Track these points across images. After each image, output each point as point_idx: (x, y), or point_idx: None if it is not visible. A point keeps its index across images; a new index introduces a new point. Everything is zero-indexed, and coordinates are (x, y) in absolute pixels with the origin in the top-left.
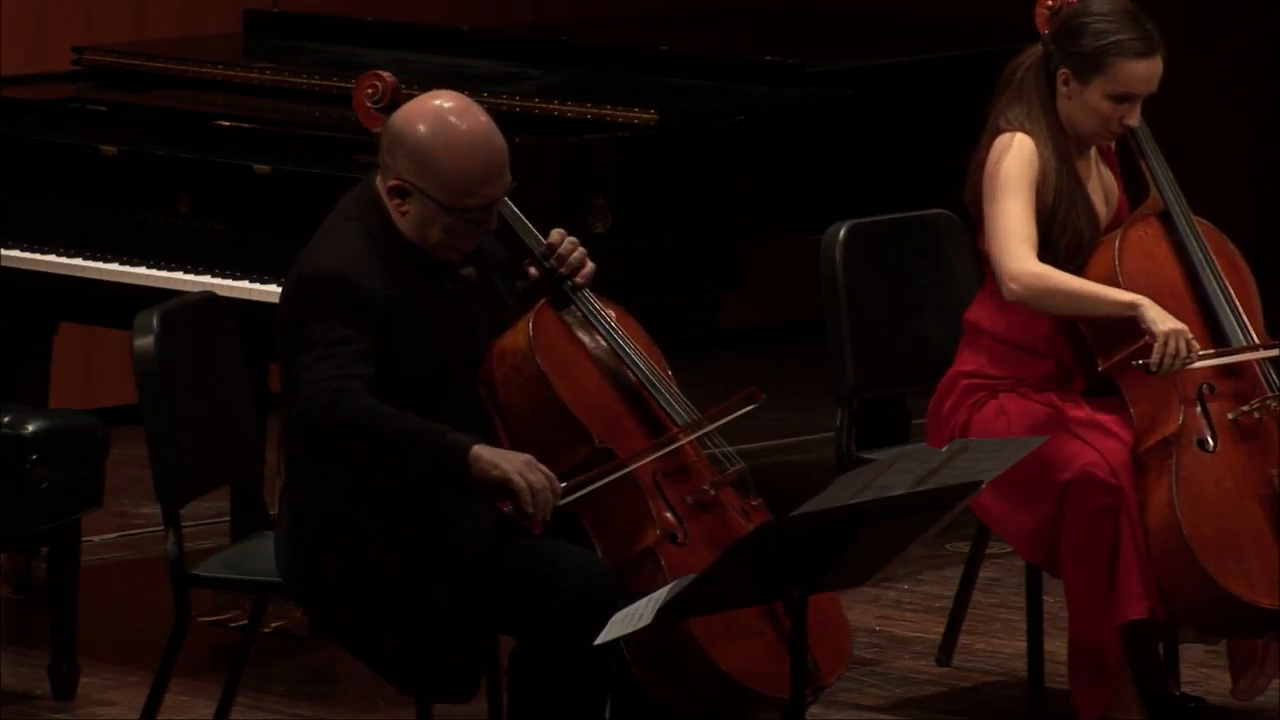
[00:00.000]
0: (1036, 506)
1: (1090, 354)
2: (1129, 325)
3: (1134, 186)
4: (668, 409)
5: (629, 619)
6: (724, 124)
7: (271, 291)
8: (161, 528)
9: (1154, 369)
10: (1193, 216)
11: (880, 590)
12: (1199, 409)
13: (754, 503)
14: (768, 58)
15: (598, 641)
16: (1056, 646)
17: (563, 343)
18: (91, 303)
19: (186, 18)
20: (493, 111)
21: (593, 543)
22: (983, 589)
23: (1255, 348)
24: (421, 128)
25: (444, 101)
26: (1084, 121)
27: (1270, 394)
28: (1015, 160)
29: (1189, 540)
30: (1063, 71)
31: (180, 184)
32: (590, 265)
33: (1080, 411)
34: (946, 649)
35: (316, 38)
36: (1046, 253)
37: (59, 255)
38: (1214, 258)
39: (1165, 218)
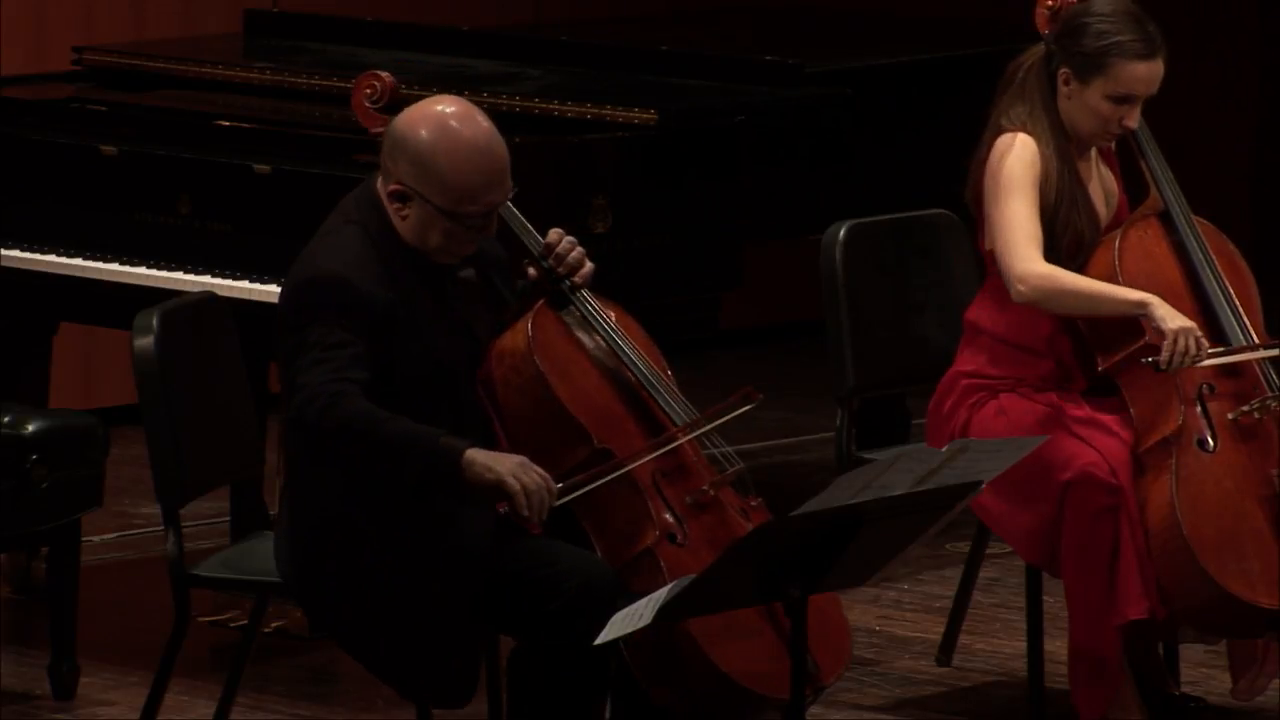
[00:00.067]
0: (1036, 506)
1: (1090, 354)
2: (1129, 324)
3: (1134, 186)
4: (667, 409)
5: (629, 619)
6: (724, 124)
7: (271, 291)
8: (161, 528)
9: (1163, 367)
10: (1193, 216)
11: (880, 590)
12: (1199, 409)
13: (753, 503)
14: (768, 58)
15: (597, 642)
16: (1056, 646)
17: (561, 343)
18: (91, 303)
19: (186, 18)
20: (493, 111)
21: (592, 543)
22: (983, 589)
23: (1256, 347)
24: (423, 133)
25: (446, 107)
26: (1083, 122)
27: (1270, 394)
28: (1018, 160)
29: (1189, 540)
30: (1063, 71)
31: (180, 184)
32: (589, 265)
33: (1080, 411)
34: (946, 649)
35: (316, 38)
36: (1048, 252)
37: (59, 255)
38: (1214, 258)
39: (1165, 218)
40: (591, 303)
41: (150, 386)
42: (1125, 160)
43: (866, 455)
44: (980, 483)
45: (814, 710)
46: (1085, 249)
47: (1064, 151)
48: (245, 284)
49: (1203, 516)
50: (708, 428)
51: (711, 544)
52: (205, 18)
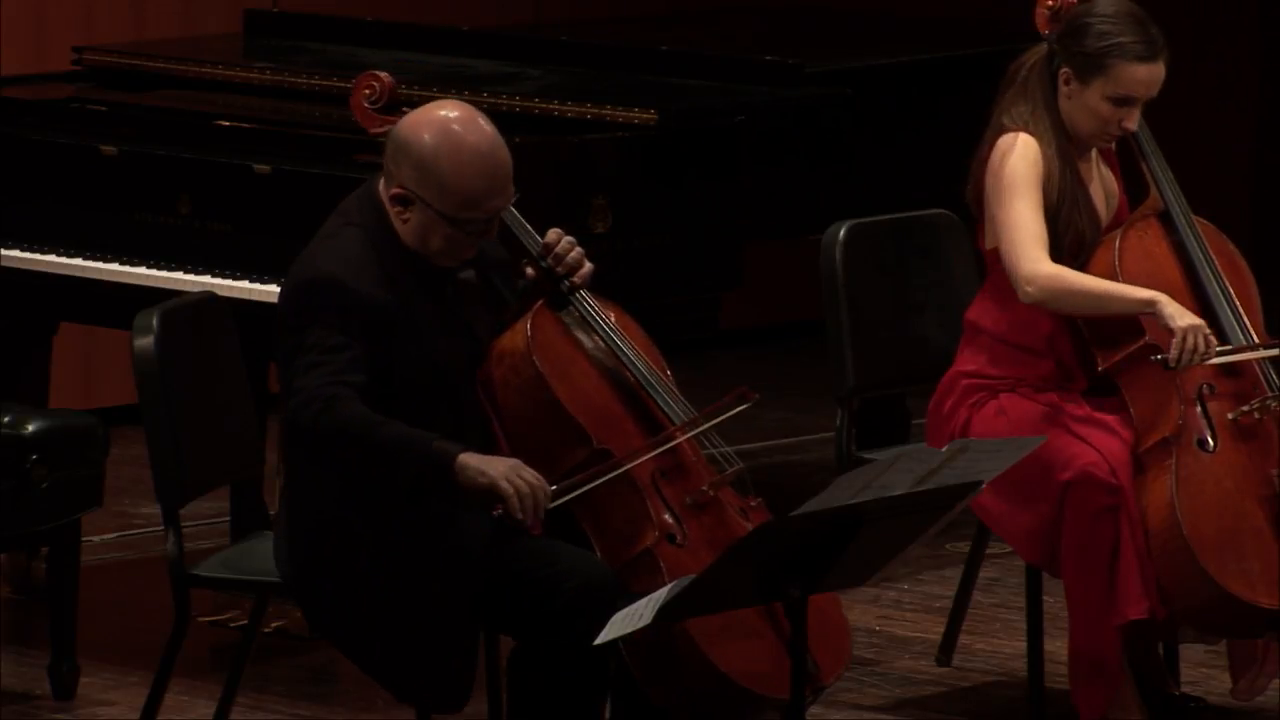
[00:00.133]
0: (1036, 506)
1: (1090, 354)
2: (1129, 324)
3: (1134, 187)
4: (666, 410)
5: (629, 619)
6: (724, 124)
7: (271, 292)
8: (161, 528)
9: (1172, 365)
10: (1193, 216)
11: (880, 590)
12: (1199, 409)
13: (753, 503)
14: (768, 58)
15: (597, 642)
16: (1056, 646)
17: (560, 344)
18: (91, 303)
19: (186, 18)
20: (492, 111)
21: (592, 544)
22: (983, 589)
23: (1255, 347)
24: (426, 138)
25: (449, 111)
26: (1083, 122)
27: (1270, 394)
28: (1020, 160)
29: (1189, 540)
30: (1064, 71)
31: (180, 184)
32: (588, 266)
33: (1080, 411)
34: (946, 649)
35: (316, 38)
36: (1051, 253)
37: (59, 255)
38: (1214, 257)
39: (1165, 218)
40: (590, 303)
41: (150, 386)
42: (1125, 160)
43: (866, 455)
44: (980, 483)
45: (814, 710)
46: (1086, 249)
47: (1065, 151)
48: (245, 284)
49: (1203, 516)
50: (703, 428)
51: (711, 544)
52: (205, 18)
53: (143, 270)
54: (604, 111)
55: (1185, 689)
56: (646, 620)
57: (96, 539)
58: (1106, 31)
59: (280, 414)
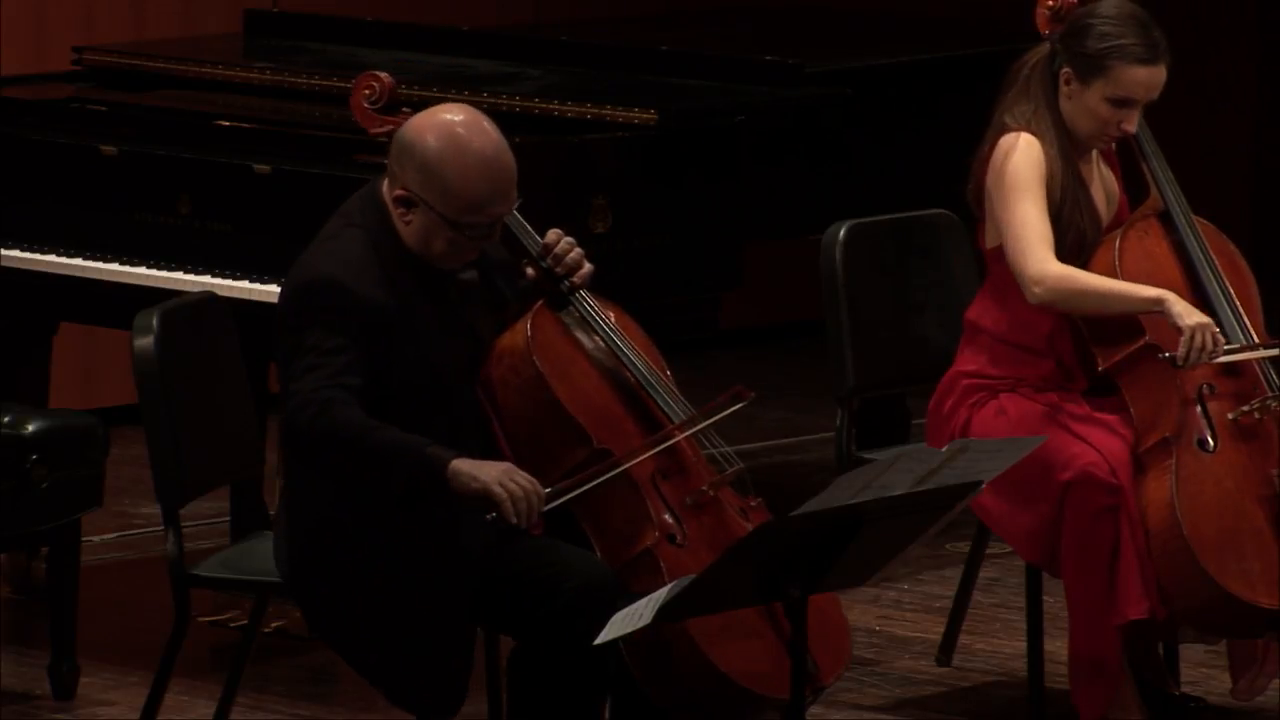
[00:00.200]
0: (1036, 506)
1: (1091, 354)
2: (1130, 324)
3: (1135, 187)
4: (666, 410)
5: (628, 619)
6: (724, 124)
7: (271, 291)
8: (161, 528)
9: (1180, 363)
10: (1193, 216)
11: (880, 590)
12: (1199, 409)
13: (753, 503)
14: (768, 58)
15: (597, 642)
16: (1056, 646)
17: (560, 344)
18: (91, 303)
19: (186, 18)
20: (492, 111)
21: (592, 544)
22: (983, 589)
23: (1255, 347)
24: (432, 141)
25: (455, 115)
26: (1082, 123)
27: (1270, 394)
28: (1023, 160)
29: (1189, 540)
30: (1065, 71)
31: (180, 184)
32: (588, 266)
33: (1081, 411)
34: (946, 649)
35: (316, 38)
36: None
37: (59, 255)
38: (1214, 257)
39: (1165, 218)
40: (590, 303)
41: (150, 386)
42: (1126, 160)
43: (866, 455)
44: (980, 483)
45: (814, 710)
46: (1087, 249)
47: (1067, 151)
48: (245, 284)
49: (1203, 516)
50: (698, 428)
51: (711, 544)
52: (205, 18)
53: (143, 270)
54: (604, 111)
55: (1185, 689)
56: (646, 620)
57: (96, 539)
58: (1108, 33)
59: (280, 414)
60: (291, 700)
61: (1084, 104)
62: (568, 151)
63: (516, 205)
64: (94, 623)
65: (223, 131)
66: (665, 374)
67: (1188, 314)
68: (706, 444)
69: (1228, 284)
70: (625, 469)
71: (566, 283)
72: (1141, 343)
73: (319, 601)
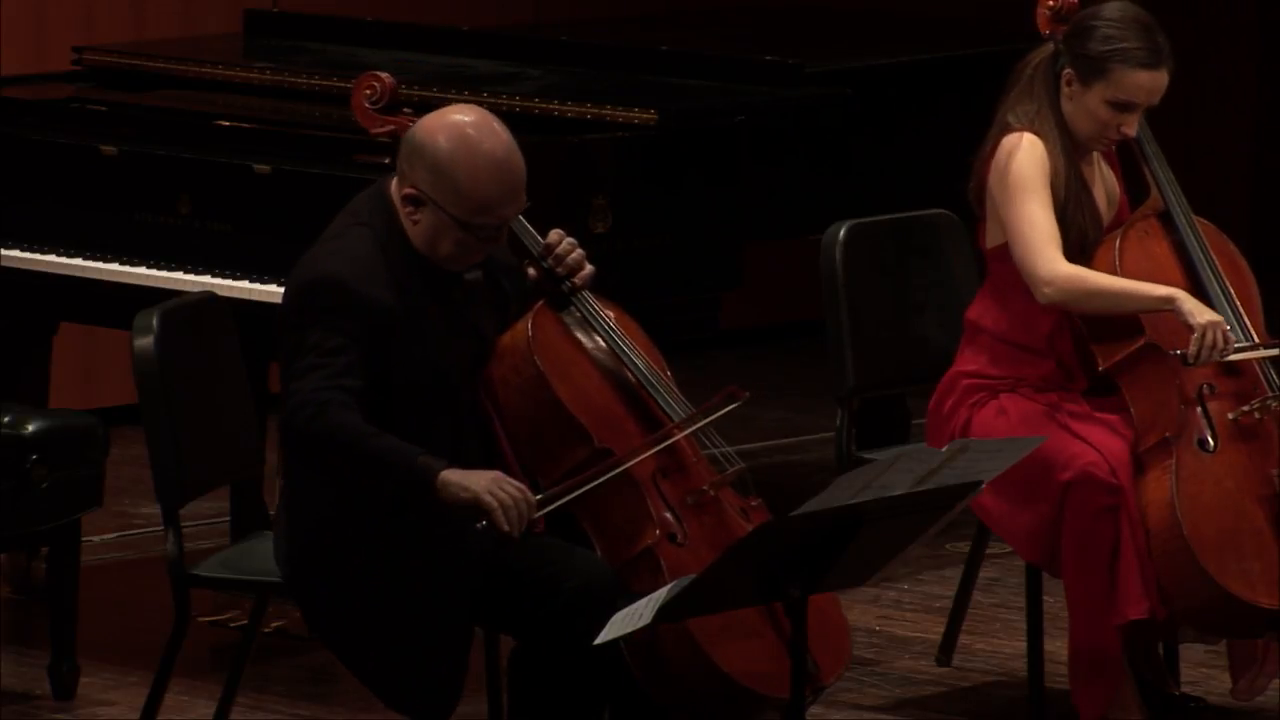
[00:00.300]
0: (1036, 506)
1: (1091, 353)
2: (1130, 324)
3: (1135, 187)
4: (667, 410)
5: (628, 619)
6: (724, 124)
7: (271, 291)
8: (161, 528)
9: (1191, 361)
10: (1193, 216)
11: (880, 590)
12: (1199, 409)
13: (754, 503)
14: (768, 58)
15: (597, 642)
16: (1056, 646)
17: (561, 343)
18: (91, 303)
19: (186, 18)
20: (492, 111)
21: (592, 543)
22: (983, 589)
23: (1255, 346)
24: (443, 142)
25: (467, 116)
26: (1082, 124)
27: (1270, 394)
28: (1028, 160)
29: (1189, 540)
30: (1067, 72)
31: (180, 184)
32: (589, 267)
33: (1081, 411)
34: (946, 649)
35: (316, 38)
36: None
37: (59, 255)
38: (1214, 257)
39: (1165, 218)
40: (592, 303)
41: (150, 386)
42: (1126, 161)
43: (866, 455)
44: (980, 483)
45: (814, 710)
46: (1089, 249)
47: (1069, 151)
48: (245, 284)
49: (1203, 516)
50: (692, 429)
51: (712, 544)
52: (205, 18)
53: (143, 270)
54: (604, 111)
55: (1185, 689)
56: (646, 620)
57: (96, 539)
58: (1111, 36)
59: (280, 412)
60: (291, 700)
61: (1084, 106)
62: (568, 151)
63: (525, 208)
64: (94, 623)
65: (223, 131)
66: (666, 374)
67: (1199, 312)
68: (708, 444)
69: (1228, 284)
70: (620, 471)
71: (568, 283)
72: (1141, 342)
73: (319, 601)
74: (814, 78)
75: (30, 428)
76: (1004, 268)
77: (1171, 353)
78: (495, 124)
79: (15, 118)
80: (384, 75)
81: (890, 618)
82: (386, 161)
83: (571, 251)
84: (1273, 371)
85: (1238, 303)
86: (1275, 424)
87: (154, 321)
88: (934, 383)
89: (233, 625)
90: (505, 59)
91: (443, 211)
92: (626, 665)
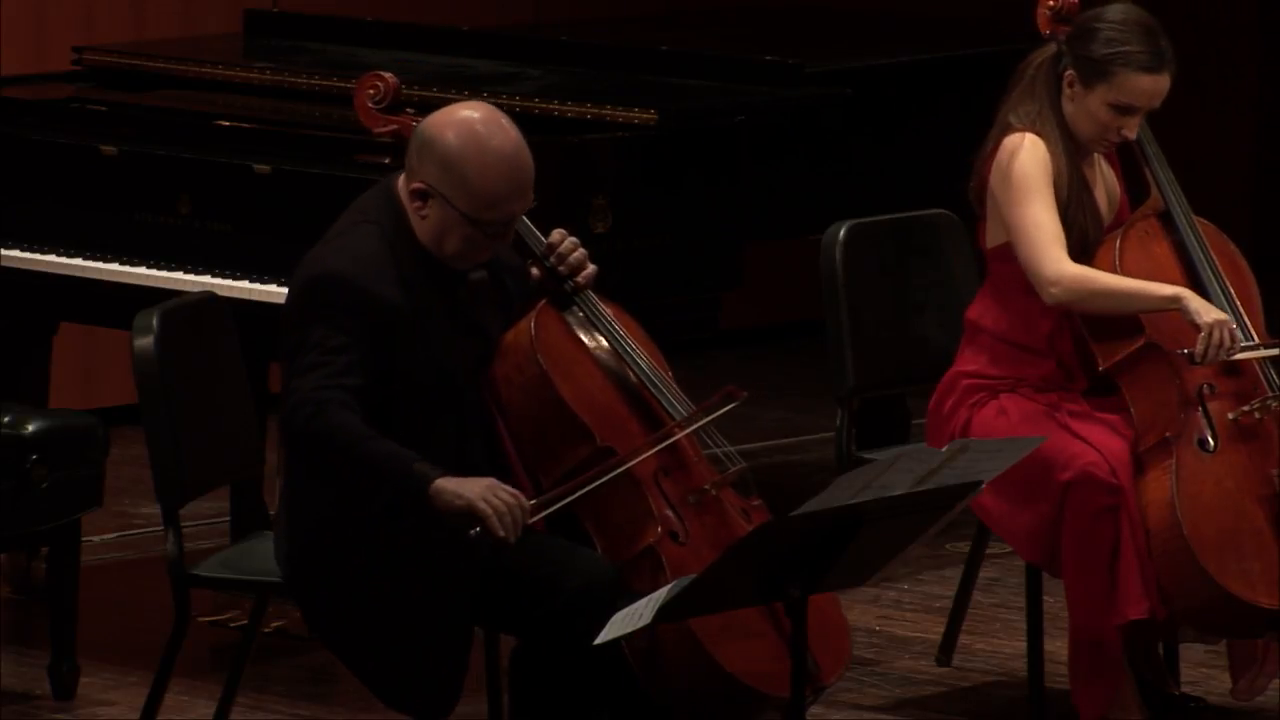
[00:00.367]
0: (1036, 506)
1: (1091, 353)
2: (1130, 324)
3: (1135, 187)
4: (669, 409)
5: (628, 619)
6: (724, 124)
7: (271, 291)
8: (161, 528)
9: (1198, 360)
10: (1193, 216)
11: (880, 590)
12: (1199, 409)
13: (755, 503)
14: (768, 58)
15: (596, 642)
16: (1056, 646)
17: (564, 342)
18: (91, 303)
19: (186, 18)
20: None
21: (593, 541)
22: (983, 589)
23: (1260, 346)
24: (452, 138)
25: (476, 113)
26: (1083, 126)
27: (1270, 394)
28: (1030, 160)
29: (1189, 540)
30: (1069, 73)
31: (180, 184)
32: (592, 267)
33: (1081, 411)
34: (946, 649)
35: (316, 38)
36: None
37: (59, 255)
38: (1215, 258)
39: (1166, 218)
40: (594, 302)
41: (150, 386)
42: (1126, 161)
43: (866, 455)
44: (980, 483)
45: (814, 710)
46: (1090, 249)
47: (1071, 152)
48: (245, 284)
49: (1203, 516)
50: (690, 429)
51: (713, 543)
52: (205, 18)
53: (143, 270)
54: (604, 111)
55: (1185, 689)
56: (646, 620)
57: (96, 539)
58: (1114, 39)
59: (280, 409)
60: (291, 700)
61: (1085, 108)
62: (568, 151)
63: (532, 206)
64: (94, 623)
65: (223, 131)
66: (667, 373)
67: (1205, 311)
68: (710, 443)
69: (1228, 284)
70: (620, 472)
71: (570, 282)
72: (1142, 342)
73: (319, 601)
74: (814, 78)
75: (30, 428)
76: (1004, 267)
77: (1179, 352)
78: (504, 120)
79: (15, 118)
80: (387, 75)
81: (890, 618)
82: (387, 161)
83: (574, 251)
84: (1273, 371)
85: (1238, 303)
86: (1275, 424)
87: (154, 321)
88: (934, 383)
89: (233, 625)
90: (505, 59)
91: (451, 206)
92: (628, 664)
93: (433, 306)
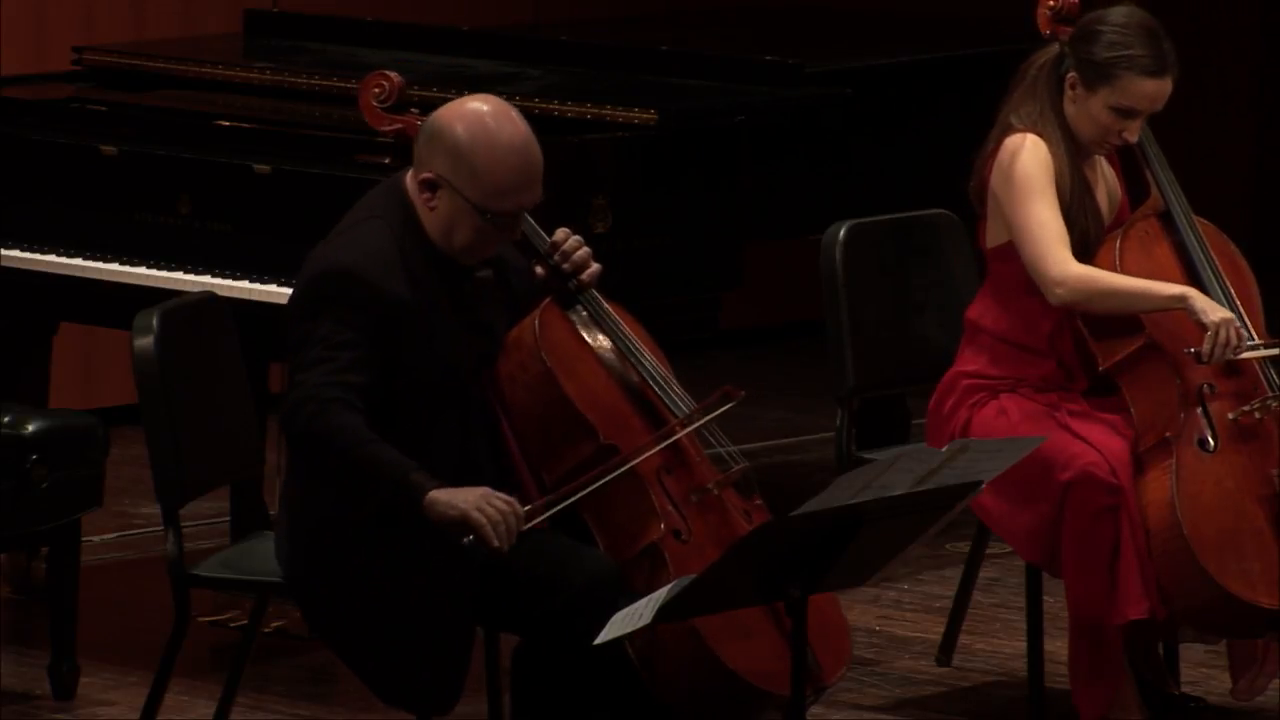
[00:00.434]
0: (1036, 506)
1: (1091, 353)
2: (1130, 324)
3: (1135, 187)
4: (673, 408)
5: (629, 619)
6: (724, 124)
7: (271, 291)
8: (161, 528)
9: (1205, 359)
10: (1194, 217)
11: (880, 590)
12: (1199, 409)
13: (756, 503)
14: (768, 58)
15: (597, 641)
16: (1056, 646)
17: (568, 340)
18: (91, 303)
19: (186, 18)
20: None
21: (595, 539)
22: (983, 589)
23: (1265, 345)
24: (461, 128)
25: (485, 105)
26: (1084, 128)
27: (1270, 394)
28: (1032, 161)
29: (1189, 540)
30: (1071, 75)
31: (180, 184)
32: (596, 265)
33: (1081, 411)
34: (946, 649)
35: (316, 38)
36: None
37: (59, 255)
38: (1215, 258)
39: (1166, 218)
40: (598, 301)
41: (150, 386)
42: (1127, 161)
43: (866, 455)
44: (980, 483)
45: (814, 710)
46: (1091, 250)
47: (1072, 153)
48: (245, 284)
49: (1203, 516)
50: (689, 429)
51: (716, 542)
52: (205, 18)
53: (143, 270)
54: (604, 111)
55: (1185, 689)
56: (646, 620)
57: (96, 539)
58: (1116, 42)
59: (283, 404)
60: (291, 700)
61: (1087, 110)
62: (568, 151)
63: (540, 200)
64: (94, 623)
65: (223, 131)
66: (670, 372)
67: (1211, 310)
68: (712, 443)
69: (1229, 284)
70: (620, 473)
71: (574, 281)
72: (1142, 342)
73: (319, 601)
74: (814, 78)
75: (30, 428)
76: (1004, 267)
77: (1185, 351)
78: (513, 112)
79: (15, 118)
80: (393, 74)
81: (890, 618)
82: (387, 161)
83: (578, 249)
84: (1273, 371)
85: (1238, 303)
86: (1275, 424)
87: (154, 321)
88: (934, 383)
89: (233, 625)
90: (505, 59)
91: (460, 196)
92: (630, 663)
93: (439, 303)
